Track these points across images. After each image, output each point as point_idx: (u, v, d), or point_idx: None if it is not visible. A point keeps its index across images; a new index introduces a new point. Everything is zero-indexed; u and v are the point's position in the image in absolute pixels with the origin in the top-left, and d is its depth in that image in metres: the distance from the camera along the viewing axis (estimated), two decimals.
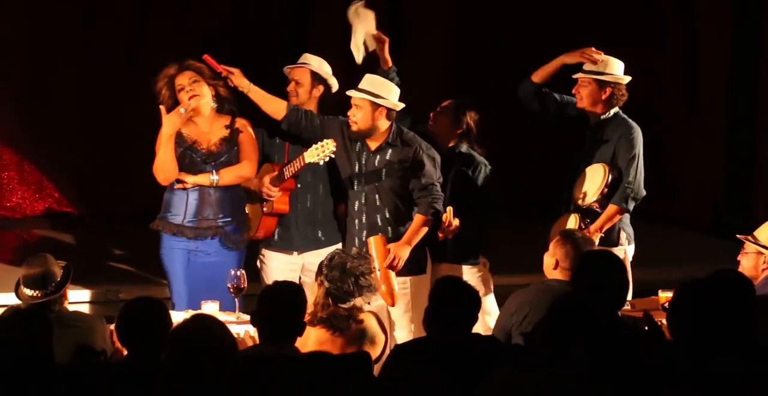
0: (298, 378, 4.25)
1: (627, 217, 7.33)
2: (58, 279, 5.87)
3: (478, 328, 5.60)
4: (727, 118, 11.39)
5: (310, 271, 7.05)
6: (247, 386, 4.49)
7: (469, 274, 7.26)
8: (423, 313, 5.49)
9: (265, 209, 7.28)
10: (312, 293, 6.08)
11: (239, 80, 7.20)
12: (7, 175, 11.09)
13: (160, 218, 7.15)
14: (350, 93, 7.01)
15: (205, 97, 7.06)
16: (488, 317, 7.03)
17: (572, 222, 7.18)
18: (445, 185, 7.12)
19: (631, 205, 7.24)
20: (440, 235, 7.02)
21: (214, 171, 7.05)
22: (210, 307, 6.53)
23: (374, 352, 5.87)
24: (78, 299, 8.14)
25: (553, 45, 7.69)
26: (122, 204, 10.93)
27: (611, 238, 7.24)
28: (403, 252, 6.87)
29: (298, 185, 7.27)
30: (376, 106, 6.96)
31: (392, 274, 6.83)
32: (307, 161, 6.92)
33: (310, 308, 5.80)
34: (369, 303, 6.11)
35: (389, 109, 6.99)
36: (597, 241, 7.00)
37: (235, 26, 11.24)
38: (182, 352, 4.42)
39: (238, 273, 6.61)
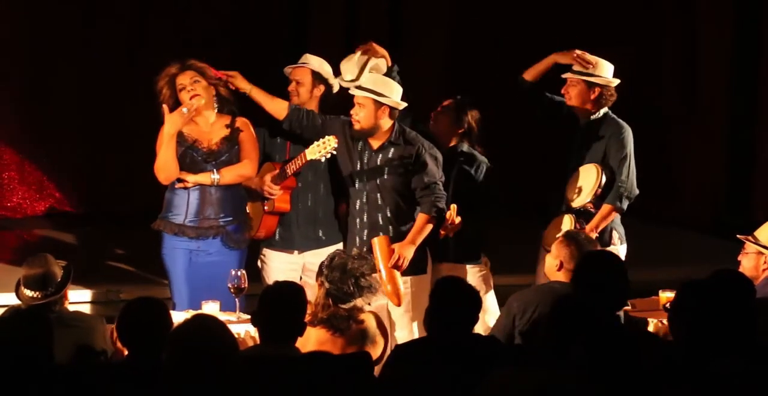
0: (298, 378, 4.25)
1: (618, 216, 7.34)
2: (59, 280, 5.87)
3: (478, 328, 5.61)
4: (727, 118, 11.39)
5: (311, 271, 7.05)
6: (248, 386, 4.49)
7: (471, 274, 7.27)
8: (423, 313, 5.49)
9: (266, 208, 7.28)
10: (313, 293, 6.09)
11: (240, 82, 7.22)
12: (8, 175, 11.10)
13: (161, 218, 7.15)
14: (353, 91, 7.02)
15: (206, 97, 7.06)
16: (489, 316, 7.03)
17: (567, 223, 7.18)
18: (447, 184, 7.12)
19: (625, 204, 7.26)
20: (442, 232, 7.03)
21: (215, 170, 7.05)
22: (210, 307, 6.54)
23: (375, 353, 5.88)
24: (78, 299, 8.14)
25: (553, 45, 7.69)
26: (122, 204, 10.94)
27: (603, 238, 7.24)
28: (407, 251, 6.87)
29: (299, 184, 7.28)
30: (378, 105, 6.97)
31: (397, 273, 6.83)
32: (308, 158, 6.92)
33: (310, 308, 5.81)
34: (369, 304, 6.11)
35: (392, 108, 6.99)
36: None
37: (235, 26, 11.25)
38: (183, 352, 4.42)
39: (239, 273, 6.62)
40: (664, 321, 6.22)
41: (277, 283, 5.68)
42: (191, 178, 7.05)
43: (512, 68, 7.58)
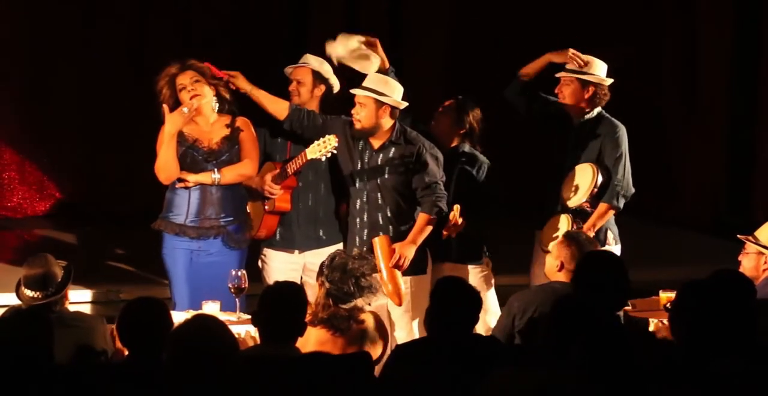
0: (298, 378, 4.25)
1: (612, 216, 7.34)
2: (59, 280, 5.87)
3: (479, 328, 5.61)
4: (727, 118, 11.39)
5: (312, 271, 7.05)
6: (248, 386, 4.49)
7: (473, 274, 7.28)
8: (423, 313, 5.49)
9: (267, 207, 7.28)
10: (313, 293, 6.09)
11: (241, 83, 7.23)
12: (8, 175, 11.10)
13: (161, 218, 7.14)
14: (354, 91, 7.02)
15: (206, 97, 7.07)
16: (489, 316, 7.04)
17: (564, 222, 7.17)
18: (448, 185, 7.13)
19: (622, 203, 7.26)
20: (444, 233, 7.03)
21: (215, 170, 7.05)
22: (211, 307, 6.54)
23: (375, 353, 5.88)
24: (79, 299, 8.13)
25: (553, 45, 7.69)
26: (122, 204, 10.94)
27: (598, 238, 7.23)
28: (408, 251, 6.88)
29: (300, 184, 7.28)
30: (380, 104, 6.97)
31: (398, 273, 6.83)
32: (309, 157, 6.92)
33: (310, 308, 5.81)
34: (370, 304, 6.11)
35: (393, 108, 6.99)
36: None
37: (235, 26, 11.25)
38: (183, 352, 4.42)
39: (239, 273, 6.62)
40: (665, 321, 6.22)
41: (277, 283, 5.68)
42: (192, 178, 7.05)
43: (512, 68, 7.58)
